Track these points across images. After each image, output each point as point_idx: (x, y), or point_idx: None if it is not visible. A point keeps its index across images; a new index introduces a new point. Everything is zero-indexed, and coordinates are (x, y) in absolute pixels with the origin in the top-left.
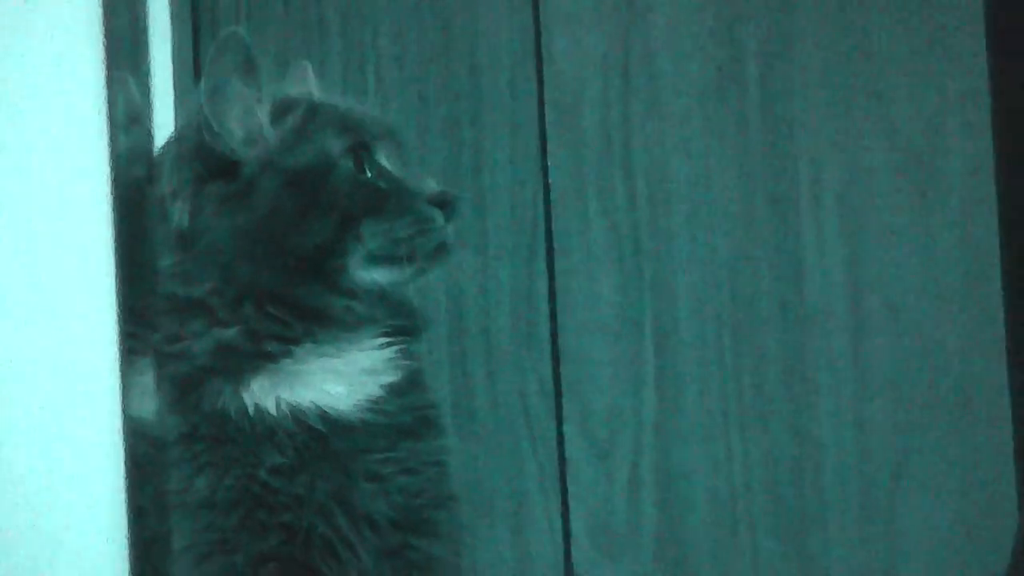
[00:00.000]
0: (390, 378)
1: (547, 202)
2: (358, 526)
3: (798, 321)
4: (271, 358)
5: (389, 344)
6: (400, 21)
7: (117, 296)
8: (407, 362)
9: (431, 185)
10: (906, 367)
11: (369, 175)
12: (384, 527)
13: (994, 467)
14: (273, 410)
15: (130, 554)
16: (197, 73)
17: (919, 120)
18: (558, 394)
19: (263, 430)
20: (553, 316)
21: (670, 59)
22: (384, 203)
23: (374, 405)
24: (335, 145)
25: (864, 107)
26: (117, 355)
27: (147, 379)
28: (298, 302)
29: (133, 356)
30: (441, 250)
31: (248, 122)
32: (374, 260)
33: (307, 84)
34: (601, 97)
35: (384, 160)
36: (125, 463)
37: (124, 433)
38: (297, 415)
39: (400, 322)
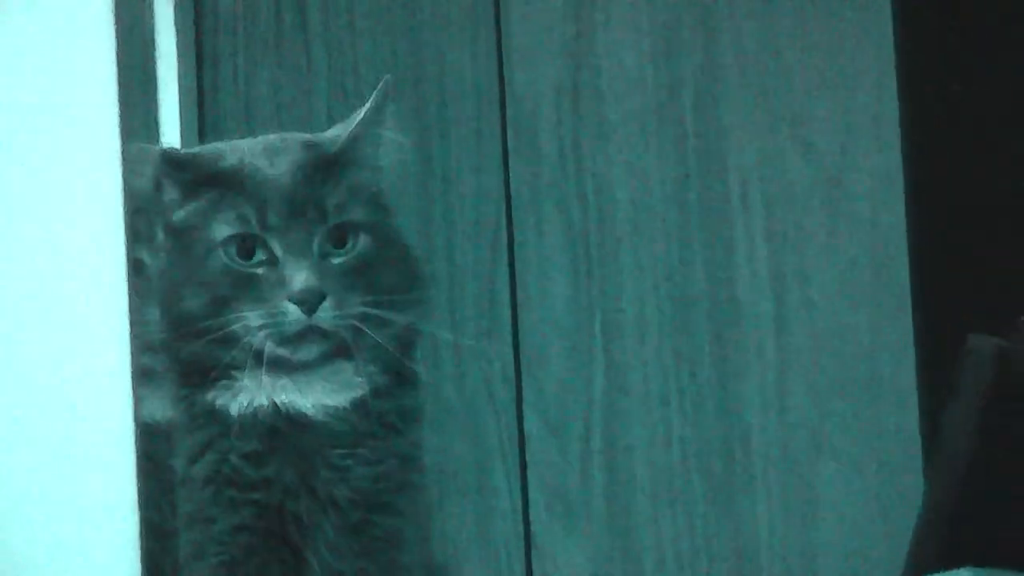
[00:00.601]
0: (350, 394)
1: (508, 211)
2: (322, 506)
3: (728, 315)
4: (228, 376)
5: (339, 369)
6: (379, 58)
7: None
8: (366, 378)
9: (301, 280)
10: (822, 355)
11: (251, 261)
12: (345, 507)
13: (902, 442)
14: (235, 412)
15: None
16: (201, 113)
17: (833, 140)
18: (518, 379)
19: (234, 423)
20: (514, 311)
21: (615, 87)
22: (248, 292)
23: (335, 412)
24: (220, 232)
25: (785, 129)
26: (129, 361)
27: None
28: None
29: (144, 361)
30: (306, 338)
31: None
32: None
33: (284, 150)
34: (555, 120)
35: (277, 247)
36: (136, 450)
37: (136, 423)
38: (259, 414)
39: (370, 350)
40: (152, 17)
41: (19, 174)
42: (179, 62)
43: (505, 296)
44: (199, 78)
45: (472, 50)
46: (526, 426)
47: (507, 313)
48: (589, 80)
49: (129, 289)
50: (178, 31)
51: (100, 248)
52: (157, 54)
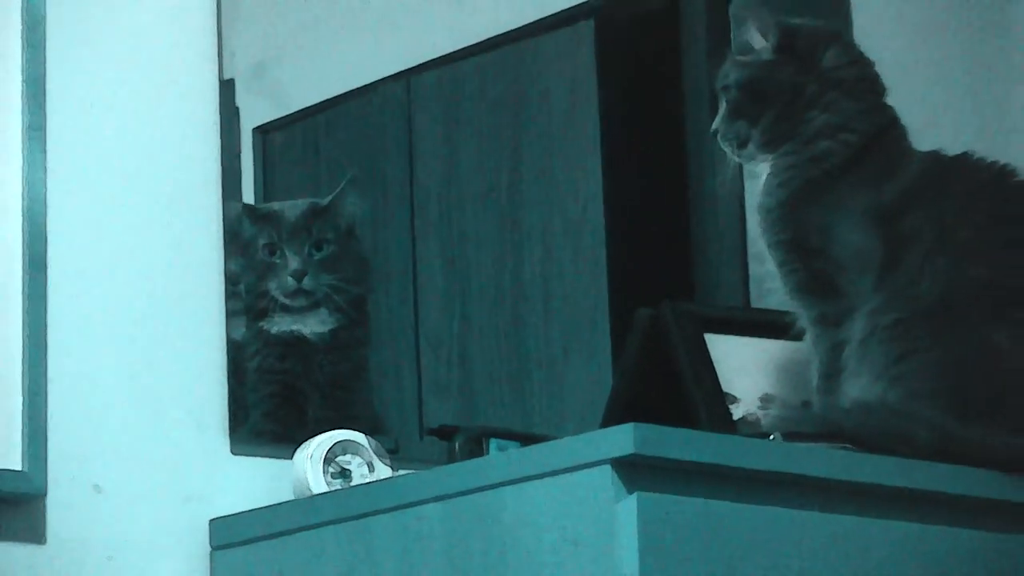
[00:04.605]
0: (327, 327)
1: (413, 242)
2: (312, 385)
3: (516, 281)
4: (268, 316)
5: (321, 314)
6: (346, 161)
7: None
8: (334, 320)
9: (293, 266)
10: (550, 287)
11: (275, 255)
12: (323, 387)
13: (601, 363)
14: (273, 332)
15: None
16: (265, 188)
17: (573, 199)
18: (416, 321)
19: (269, 340)
20: (415, 290)
21: (466, 178)
22: (272, 272)
23: (319, 336)
24: (260, 241)
25: (551, 193)
26: (223, 306)
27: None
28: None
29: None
30: (297, 294)
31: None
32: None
33: (296, 207)
34: (437, 194)
35: (287, 248)
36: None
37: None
38: (283, 335)
39: (333, 304)
40: (240, 147)
41: (166, 216)
42: (253, 165)
43: (410, 284)
44: (265, 177)
45: (397, 161)
46: (420, 343)
47: (411, 290)
48: (455, 177)
49: (224, 275)
50: (254, 152)
51: (208, 254)
52: (242, 161)
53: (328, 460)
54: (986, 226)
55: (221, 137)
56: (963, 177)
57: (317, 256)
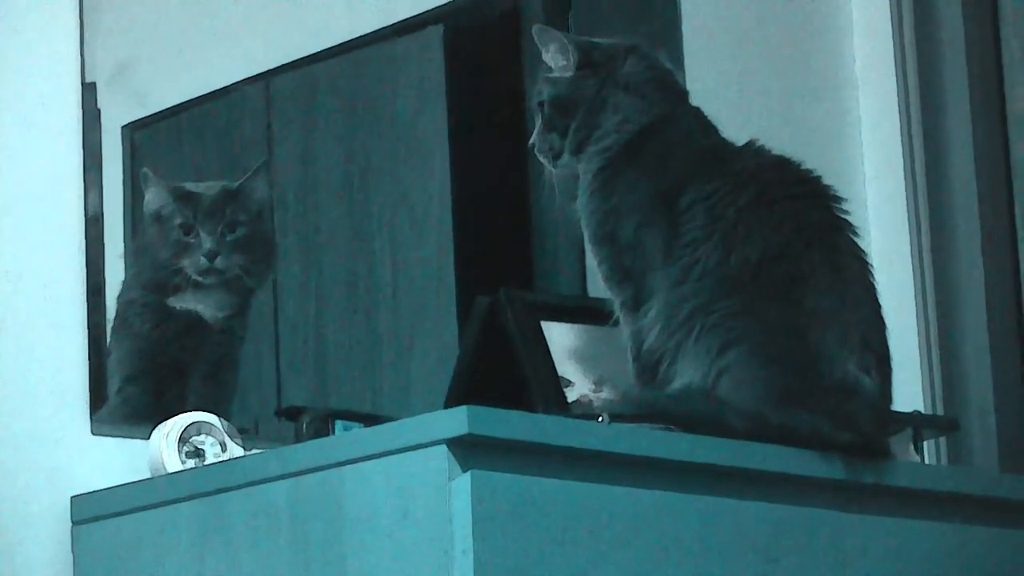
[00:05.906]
0: (224, 311)
1: (272, 221)
2: (200, 361)
3: (367, 255)
4: (176, 291)
5: (223, 298)
6: (260, 152)
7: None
8: (237, 299)
9: (207, 246)
10: (408, 292)
11: (191, 234)
12: (211, 365)
13: (451, 345)
14: (177, 308)
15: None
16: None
17: (422, 194)
18: (276, 300)
19: (173, 316)
20: (275, 290)
21: (321, 161)
22: (187, 251)
23: (219, 320)
24: (176, 221)
25: (399, 185)
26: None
27: None
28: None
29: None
30: (209, 272)
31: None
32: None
33: (211, 188)
34: (294, 178)
35: (202, 228)
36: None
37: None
38: (184, 314)
39: (241, 285)
40: (100, 146)
41: (31, 207)
42: (122, 160)
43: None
44: (133, 171)
45: (256, 157)
46: (279, 328)
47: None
48: (311, 173)
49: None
50: (123, 148)
51: (71, 243)
52: (103, 159)
53: (183, 440)
54: (748, 206)
55: (83, 136)
56: (740, 161)
57: (230, 237)
